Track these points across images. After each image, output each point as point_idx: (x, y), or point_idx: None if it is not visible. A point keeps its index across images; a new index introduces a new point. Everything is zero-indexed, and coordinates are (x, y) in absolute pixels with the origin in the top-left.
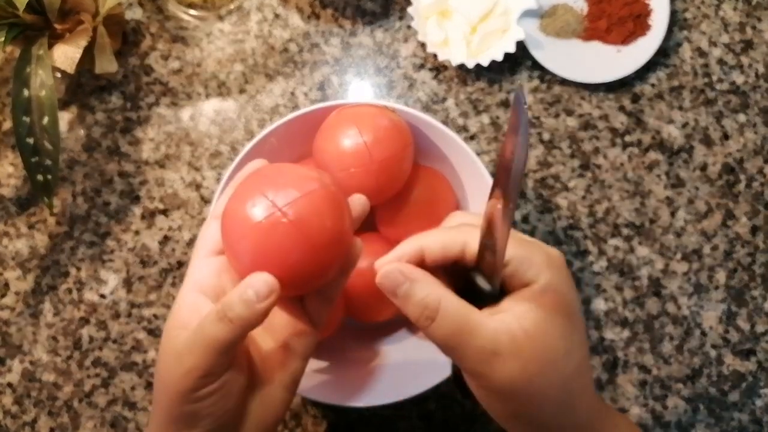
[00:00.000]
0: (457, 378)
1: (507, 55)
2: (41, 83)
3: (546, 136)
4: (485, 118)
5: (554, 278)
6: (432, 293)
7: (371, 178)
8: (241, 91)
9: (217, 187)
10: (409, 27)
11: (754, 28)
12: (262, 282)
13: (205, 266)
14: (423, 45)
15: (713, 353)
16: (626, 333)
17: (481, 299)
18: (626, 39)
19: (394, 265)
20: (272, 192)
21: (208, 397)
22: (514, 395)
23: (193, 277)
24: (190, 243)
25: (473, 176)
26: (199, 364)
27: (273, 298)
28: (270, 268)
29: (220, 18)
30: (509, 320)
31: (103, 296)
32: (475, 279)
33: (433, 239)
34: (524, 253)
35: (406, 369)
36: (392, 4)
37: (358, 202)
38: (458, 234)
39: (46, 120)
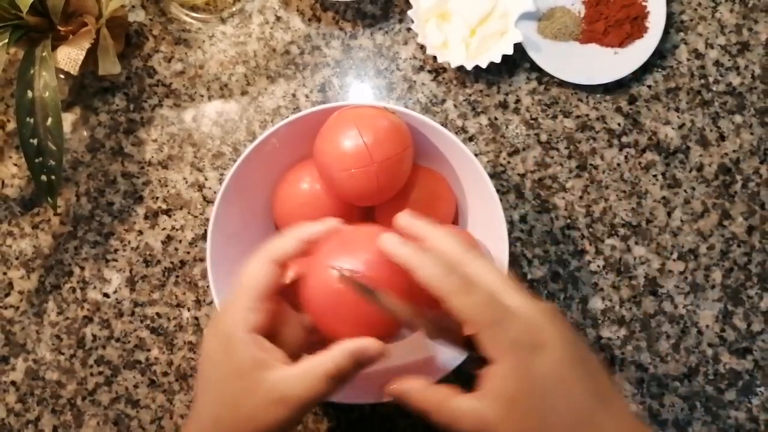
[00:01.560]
0: (472, 358)
1: (505, 57)
2: (45, 85)
3: (543, 137)
4: (484, 120)
5: (514, 365)
6: (428, 399)
7: (371, 178)
8: (243, 92)
9: (220, 188)
10: (408, 29)
11: (750, 30)
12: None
13: (263, 311)
14: (422, 47)
15: (710, 352)
16: (623, 332)
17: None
18: (623, 41)
19: (399, 389)
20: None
21: None
22: None
23: (252, 318)
24: (193, 242)
25: (472, 177)
26: (297, 418)
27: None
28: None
29: (222, 20)
30: (489, 403)
31: (106, 295)
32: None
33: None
34: (485, 336)
35: (407, 367)
36: (392, 6)
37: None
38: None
39: (49, 121)
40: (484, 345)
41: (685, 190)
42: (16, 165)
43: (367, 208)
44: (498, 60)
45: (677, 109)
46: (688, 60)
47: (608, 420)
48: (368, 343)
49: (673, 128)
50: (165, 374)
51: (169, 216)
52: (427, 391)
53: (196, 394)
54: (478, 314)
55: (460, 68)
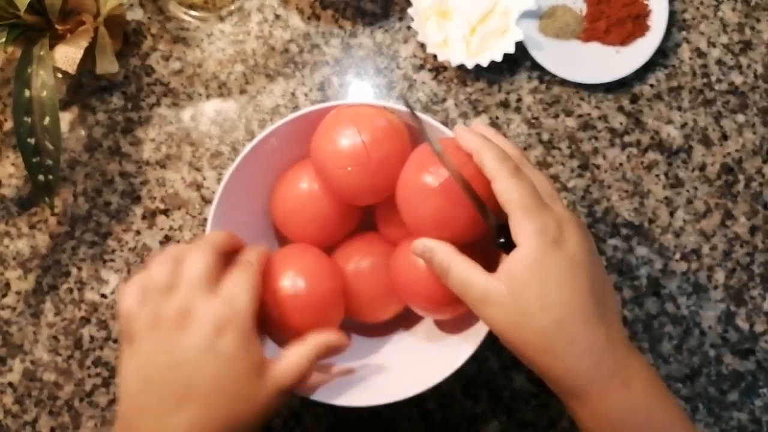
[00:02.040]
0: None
1: (506, 56)
2: (42, 84)
3: (545, 137)
4: (485, 119)
5: (533, 247)
6: (445, 257)
7: (368, 177)
8: (242, 91)
9: (218, 188)
10: (408, 28)
11: (752, 28)
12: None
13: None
14: (423, 46)
15: (712, 353)
16: (625, 332)
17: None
18: (625, 40)
19: (421, 240)
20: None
21: None
22: (502, 335)
23: (257, 285)
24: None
25: None
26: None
27: None
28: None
29: (221, 19)
30: (497, 279)
31: (104, 296)
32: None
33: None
34: (518, 217)
35: (406, 369)
36: (392, 5)
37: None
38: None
39: (47, 120)
40: (514, 227)
41: (687, 190)
42: (13, 164)
43: (365, 208)
44: (499, 58)
45: (679, 109)
46: (691, 59)
47: (598, 336)
48: (333, 337)
49: (675, 127)
50: None
51: (167, 216)
52: (450, 254)
53: (193, 395)
54: (518, 197)
55: (461, 67)
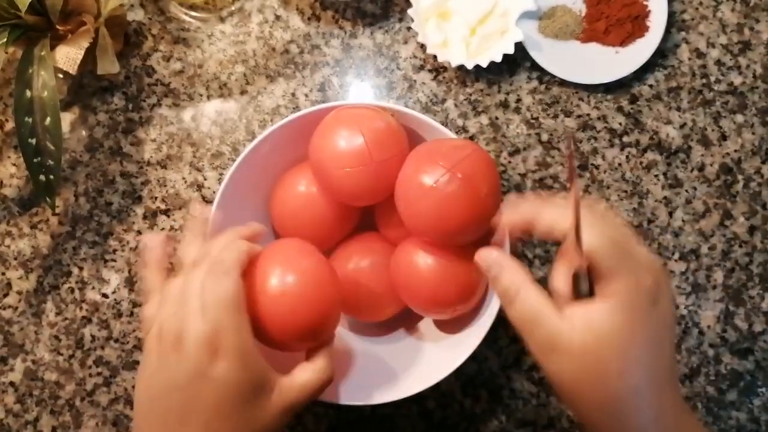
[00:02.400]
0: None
1: (506, 57)
2: (43, 84)
3: (545, 137)
4: (484, 119)
5: (627, 305)
6: (515, 282)
7: (369, 177)
8: (243, 92)
9: (219, 188)
10: (408, 28)
11: (752, 29)
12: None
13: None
14: (423, 46)
15: (711, 352)
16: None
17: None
18: (624, 40)
19: (491, 251)
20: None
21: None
22: (562, 389)
23: (238, 294)
24: None
25: None
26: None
27: None
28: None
29: (222, 19)
30: (574, 326)
31: (105, 296)
32: (579, 280)
33: (544, 216)
34: (611, 263)
35: (406, 368)
36: (392, 5)
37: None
38: (564, 218)
39: (48, 121)
40: (605, 275)
41: (686, 190)
42: (14, 165)
43: (364, 208)
44: (499, 59)
45: (679, 109)
46: (690, 59)
47: (667, 402)
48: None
49: (674, 128)
50: None
51: (168, 216)
52: (521, 279)
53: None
54: (608, 245)
55: (461, 67)
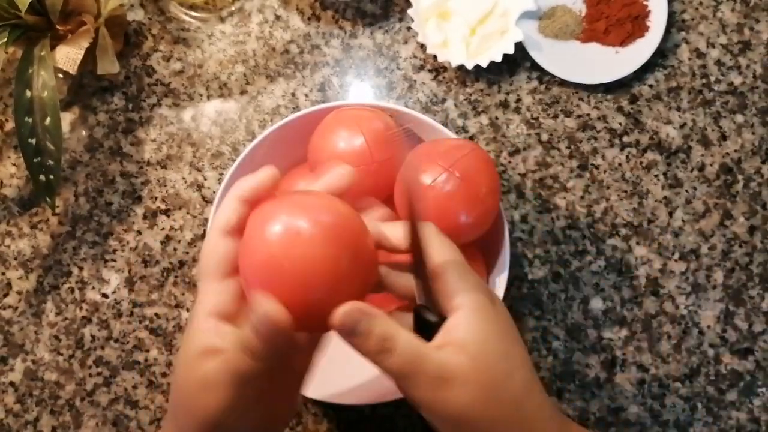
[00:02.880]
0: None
1: (506, 57)
2: (43, 84)
3: (544, 137)
4: (484, 119)
5: (481, 302)
6: (389, 329)
7: (370, 177)
8: (243, 92)
9: (219, 188)
10: (408, 28)
11: (752, 29)
12: (273, 312)
13: (223, 291)
14: (423, 46)
15: (711, 352)
16: (624, 332)
17: (430, 332)
18: (624, 40)
19: (353, 304)
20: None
21: (240, 423)
22: (467, 421)
23: (211, 301)
24: (192, 243)
25: None
26: (229, 401)
27: (284, 326)
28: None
29: (222, 19)
30: (453, 349)
31: (105, 296)
32: (421, 313)
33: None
34: (458, 274)
35: None
36: (392, 5)
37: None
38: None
39: (48, 121)
40: (452, 285)
41: (686, 190)
42: (14, 165)
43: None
44: (498, 59)
45: (679, 109)
46: (690, 59)
47: (546, 396)
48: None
49: (674, 128)
50: (164, 375)
51: (168, 216)
52: (393, 324)
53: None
54: (454, 255)
55: (461, 67)
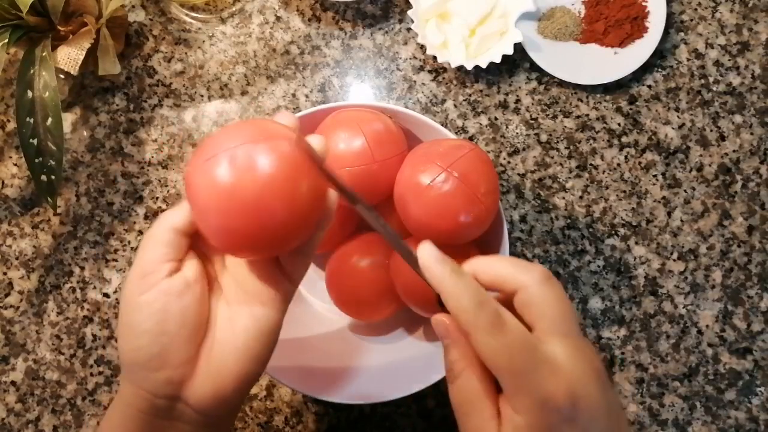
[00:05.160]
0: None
1: (505, 57)
2: (45, 85)
3: (543, 137)
4: (484, 120)
5: (535, 426)
6: (460, 361)
7: (371, 177)
8: (243, 92)
9: None
10: (408, 29)
11: (750, 30)
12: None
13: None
14: (422, 47)
15: (710, 352)
16: (623, 331)
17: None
18: (623, 41)
19: (444, 320)
20: None
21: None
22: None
23: (173, 215)
24: None
25: None
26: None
27: None
28: None
29: (222, 20)
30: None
31: (106, 295)
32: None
33: (486, 270)
34: (512, 387)
35: (406, 367)
36: (392, 7)
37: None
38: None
39: (49, 121)
40: (508, 392)
41: (685, 190)
42: (16, 165)
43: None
44: (498, 60)
45: (677, 109)
46: (688, 60)
47: None
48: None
49: (673, 128)
50: None
51: None
52: (467, 359)
53: None
54: (504, 359)
55: (460, 68)
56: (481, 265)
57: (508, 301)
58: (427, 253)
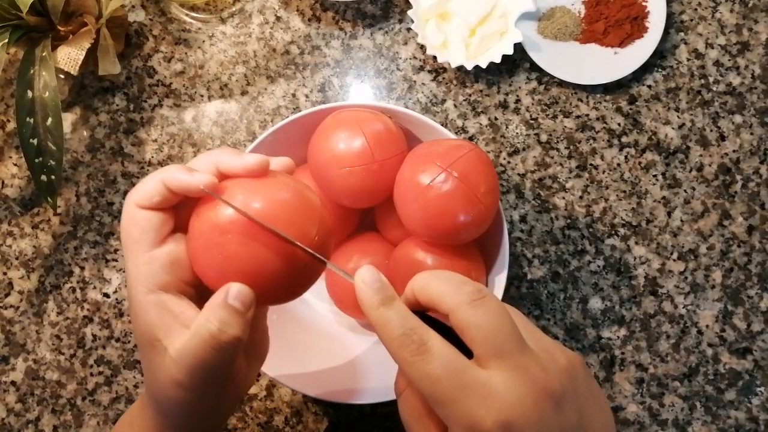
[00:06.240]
0: None
1: (505, 57)
2: (45, 85)
3: (544, 137)
4: (484, 120)
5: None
6: (401, 380)
7: (371, 176)
8: (243, 92)
9: None
10: (408, 29)
11: (750, 29)
12: (236, 292)
13: (152, 261)
14: (422, 47)
15: (710, 352)
16: (623, 331)
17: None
18: (623, 41)
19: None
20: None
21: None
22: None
23: (143, 273)
24: None
25: None
26: (198, 392)
27: (250, 307)
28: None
29: (222, 20)
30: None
31: (106, 295)
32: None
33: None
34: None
35: None
36: (392, 7)
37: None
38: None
39: (49, 121)
40: (442, 418)
41: (685, 190)
42: (16, 165)
43: (363, 211)
44: (498, 60)
45: (677, 109)
46: (688, 60)
47: None
48: (239, 289)
49: (673, 128)
50: None
51: None
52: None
53: None
54: (428, 388)
55: (460, 68)
56: (417, 286)
57: None
58: (359, 280)
